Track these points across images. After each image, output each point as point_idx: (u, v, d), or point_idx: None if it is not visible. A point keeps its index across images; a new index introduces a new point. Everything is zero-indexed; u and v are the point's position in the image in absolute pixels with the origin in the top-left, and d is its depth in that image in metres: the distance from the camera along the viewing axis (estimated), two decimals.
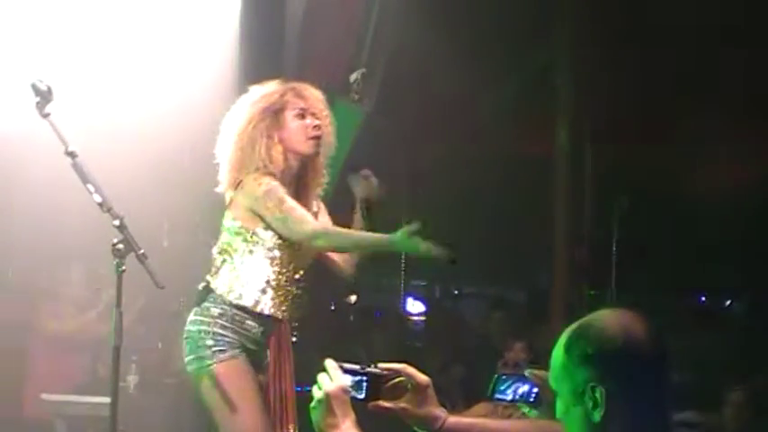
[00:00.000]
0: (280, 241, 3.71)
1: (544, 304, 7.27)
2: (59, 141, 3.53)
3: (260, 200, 3.65)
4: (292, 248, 3.74)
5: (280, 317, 3.75)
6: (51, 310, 6.06)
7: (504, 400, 3.40)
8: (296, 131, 3.77)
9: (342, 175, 4.02)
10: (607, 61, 6.65)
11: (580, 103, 6.83)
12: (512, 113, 7.43)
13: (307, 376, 3.72)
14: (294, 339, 3.90)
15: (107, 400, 3.63)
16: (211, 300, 3.70)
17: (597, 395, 1.90)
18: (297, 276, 3.79)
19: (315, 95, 3.86)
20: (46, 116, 3.56)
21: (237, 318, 3.68)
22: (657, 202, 7.60)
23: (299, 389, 3.86)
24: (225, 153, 3.80)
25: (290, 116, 3.80)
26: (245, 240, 3.71)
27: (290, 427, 3.80)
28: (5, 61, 5.27)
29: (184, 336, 3.71)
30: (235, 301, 3.68)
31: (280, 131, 3.77)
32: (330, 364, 2.11)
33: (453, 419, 2.28)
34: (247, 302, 3.69)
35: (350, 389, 2.11)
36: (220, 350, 3.63)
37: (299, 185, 3.83)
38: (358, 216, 3.82)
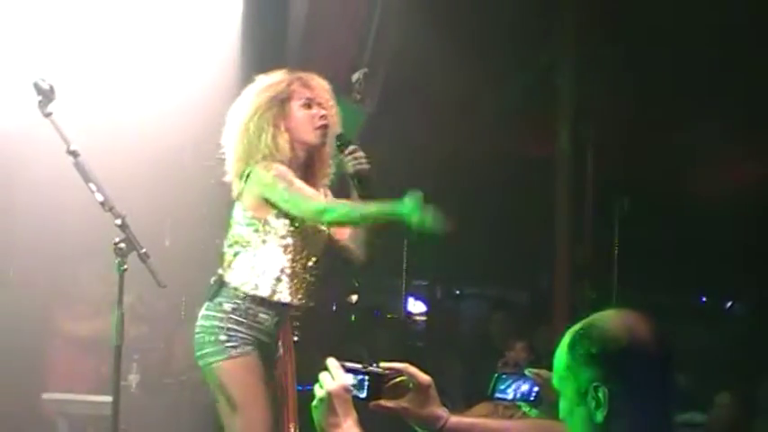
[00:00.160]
0: (292, 228, 3.72)
1: (545, 305, 7.27)
2: (61, 140, 3.54)
3: (270, 184, 3.66)
4: (304, 235, 3.75)
5: (296, 304, 3.76)
6: (67, 311, 6.06)
7: (504, 399, 3.40)
8: (302, 121, 3.79)
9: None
10: (609, 62, 6.65)
11: (582, 103, 6.83)
12: (513, 114, 7.43)
13: (308, 375, 3.75)
14: (296, 339, 3.91)
15: (109, 398, 3.64)
16: (224, 295, 3.70)
17: (600, 395, 1.91)
18: (310, 264, 3.80)
19: (321, 85, 3.87)
20: (48, 115, 3.57)
21: (251, 312, 3.68)
22: (659, 203, 7.60)
23: (299, 388, 3.87)
24: (231, 142, 3.81)
25: (296, 106, 3.81)
26: (257, 230, 3.72)
27: (290, 426, 3.80)
28: (6, 59, 5.28)
29: (196, 330, 3.71)
30: (251, 293, 3.68)
31: (286, 121, 3.78)
32: (332, 362, 2.11)
33: (455, 419, 2.27)
34: (264, 292, 3.69)
35: (351, 388, 2.11)
36: (233, 346, 3.63)
37: (306, 175, 3.83)
38: (354, 194, 3.81)
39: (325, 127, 3.82)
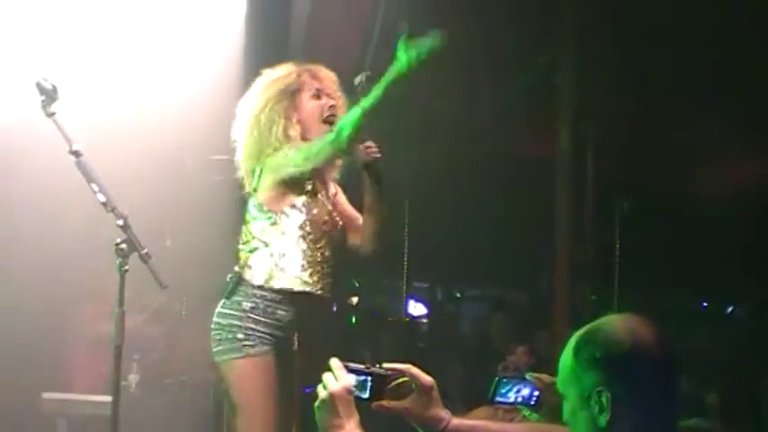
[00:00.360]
0: (308, 217, 3.73)
1: (546, 307, 7.26)
2: (64, 140, 3.54)
3: (282, 161, 3.68)
4: (320, 224, 3.75)
5: (319, 294, 3.75)
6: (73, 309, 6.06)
7: (505, 402, 3.42)
8: (312, 112, 3.80)
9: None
10: (609, 62, 6.64)
11: (582, 103, 6.82)
12: (513, 114, 7.43)
13: (308, 377, 3.75)
14: (297, 342, 3.91)
15: (108, 398, 3.64)
16: (242, 293, 3.70)
17: (603, 400, 1.91)
18: (327, 253, 3.80)
19: (329, 76, 3.88)
20: (51, 115, 3.57)
21: (270, 309, 3.68)
22: (660, 204, 7.59)
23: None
24: (242, 135, 3.82)
25: (306, 97, 3.83)
26: (275, 223, 3.72)
27: (292, 425, 3.81)
28: (9, 56, 5.28)
29: (212, 326, 3.71)
30: (277, 287, 3.67)
31: (297, 112, 3.79)
32: (335, 363, 2.12)
33: (456, 421, 2.28)
34: (286, 284, 3.68)
35: (354, 389, 2.11)
36: (251, 345, 3.63)
37: (311, 171, 3.83)
38: (366, 180, 3.83)
39: (333, 117, 3.82)
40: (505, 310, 7.94)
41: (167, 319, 6.17)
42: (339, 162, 3.94)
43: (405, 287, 7.93)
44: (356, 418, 2.07)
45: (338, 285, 3.93)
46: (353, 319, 8.76)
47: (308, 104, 3.82)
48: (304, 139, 3.80)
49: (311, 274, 3.72)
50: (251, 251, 3.73)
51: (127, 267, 3.54)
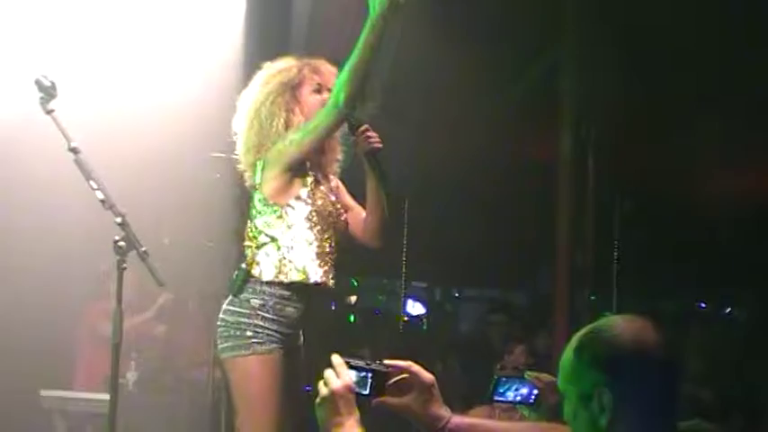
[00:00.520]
0: (314, 208, 3.72)
1: (545, 308, 7.26)
2: (62, 137, 3.54)
3: (283, 147, 3.67)
4: (325, 215, 3.75)
5: (328, 285, 3.74)
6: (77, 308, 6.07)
7: (503, 401, 3.41)
8: (313, 106, 3.79)
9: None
10: (610, 64, 6.63)
11: (583, 106, 6.82)
12: (515, 116, 7.42)
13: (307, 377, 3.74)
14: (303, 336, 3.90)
15: (106, 396, 3.64)
16: (250, 290, 3.68)
17: (604, 400, 1.91)
18: (334, 244, 3.79)
19: (330, 71, 3.87)
20: (50, 112, 3.56)
21: (278, 306, 3.66)
22: (660, 205, 7.59)
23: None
24: (242, 128, 3.81)
25: (307, 91, 3.82)
26: (281, 216, 3.71)
27: (303, 424, 3.80)
28: (7, 54, 5.28)
29: (219, 323, 3.68)
30: (287, 281, 3.65)
31: (298, 106, 3.79)
32: (336, 359, 2.11)
33: (456, 419, 2.27)
34: (296, 276, 3.66)
35: (355, 386, 2.11)
36: (259, 342, 3.61)
37: (315, 162, 3.82)
38: (368, 169, 3.81)
39: None
40: (504, 310, 7.94)
41: (170, 317, 6.18)
42: (339, 156, 3.93)
43: (403, 287, 7.94)
44: (356, 415, 2.07)
45: (338, 284, 3.91)
46: (352, 318, 8.78)
47: (309, 98, 3.82)
48: None
49: (320, 265, 3.71)
50: (258, 247, 3.71)
51: (125, 265, 3.53)
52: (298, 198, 3.72)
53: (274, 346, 3.64)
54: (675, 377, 1.97)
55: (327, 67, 3.88)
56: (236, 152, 3.85)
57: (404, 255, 7.61)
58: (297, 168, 3.73)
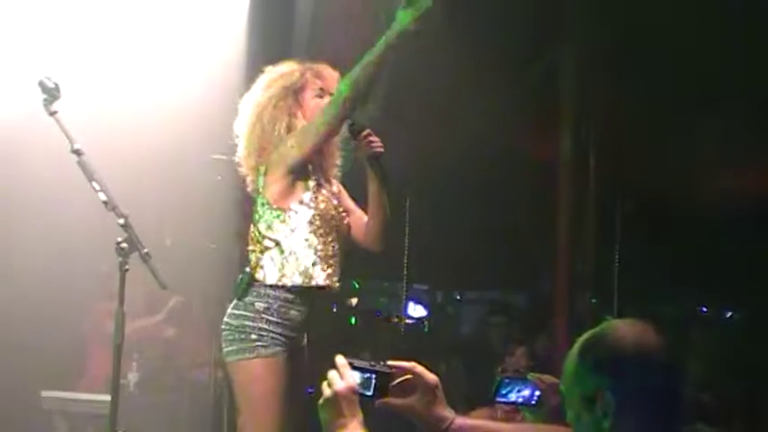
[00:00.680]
0: (316, 211, 3.73)
1: (546, 310, 7.26)
2: (65, 139, 3.55)
3: (285, 150, 3.68)
4: (327, 218, 3.75)
5: (333, 287, 3.76)
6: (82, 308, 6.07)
7: (505, 402, 3.41)
8: (314, 111, 3.79)
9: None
10: (610, 64, 6.64)
11: (583, 106, 6.82)
12: (516, 117, 7.42)
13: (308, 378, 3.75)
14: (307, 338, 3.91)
15: (107, 397, 3.64)
16: (254, 294, 3.69)
17: (607, 403, 1.92)
18: (337, 247, 3.80)
19: (332, 75, 3.88)
20: (53, 114, 3.57)
21: (283, 309, 3.67)
22: (660, 206, 7.58)
23: None
24: (244, 131, 3.82)
25: (309, 95, 3.83)
26: (284, 220, 3.72)
27: (305, 427, 3.80)
28: (10, 55, 5.28)
29: (223, 327, 3.70)
30: (290, 284, 3.67)
31: (300, 111, 3.80)
32: (340, 360, 2.12)
33: (460, 420, 2.27)
34: (299, 280, 3.67)
35: (358, 387, 2.11)
36: (264, 345, 3.62)
37: (316, 166, 3.83)
38: (370, 173, 3.83)
39: None
40: (505, 312, 7.94)
41: (177, 319, 6.18)
42: (338, 161, 3.94)
43: (405, 289, 7.93)
44: (360, 416, 2.07)
45: (339, 286, 3.92)
46: (353, 320, 8.77)
47: (311, 103, 3.82)
48: None
49: (323, 268, 3.73)
50: (261, 251, 3.72)
51: (128, 266, 3.53)
52: (300, 202, 3.73)
53: (278, 349, 3.65)
54: (677, 381, 1.98)
55: (330, 72, 3.89)
56: (237, 155, 3.86)
57: (405, 257, 7.61)
58: (299, 171, 3.74)
